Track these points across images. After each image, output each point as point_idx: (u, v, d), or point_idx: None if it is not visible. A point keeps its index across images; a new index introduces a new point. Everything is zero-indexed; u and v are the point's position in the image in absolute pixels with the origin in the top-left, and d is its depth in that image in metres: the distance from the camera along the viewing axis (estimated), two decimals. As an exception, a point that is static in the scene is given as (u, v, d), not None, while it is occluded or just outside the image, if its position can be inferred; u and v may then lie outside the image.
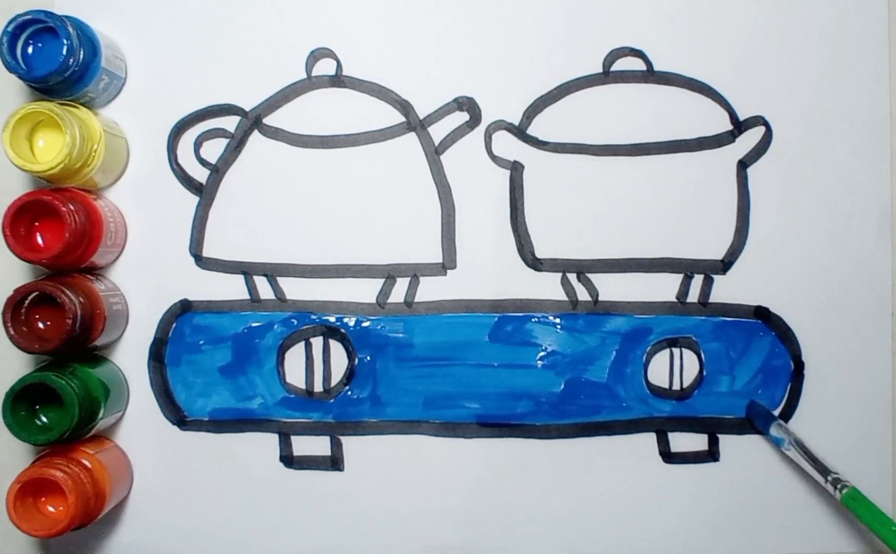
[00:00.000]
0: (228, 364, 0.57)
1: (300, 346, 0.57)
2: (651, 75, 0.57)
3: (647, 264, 0.57)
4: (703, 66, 0.57)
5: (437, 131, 0.57)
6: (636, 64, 0.57)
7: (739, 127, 0.57)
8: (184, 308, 0.57)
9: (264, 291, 0.57)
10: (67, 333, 0.51)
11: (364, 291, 0.57)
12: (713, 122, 0.57)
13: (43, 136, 0.53)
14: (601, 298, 0.57)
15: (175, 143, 0.57)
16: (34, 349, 0.51)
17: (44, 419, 0.53)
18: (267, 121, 0.57)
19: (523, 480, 0.57)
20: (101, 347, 0.57)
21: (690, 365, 0.57)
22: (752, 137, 0.57)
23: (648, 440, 0.57)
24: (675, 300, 0.57)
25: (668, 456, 0.57)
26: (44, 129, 0.53)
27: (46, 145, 0.53)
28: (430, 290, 0.57)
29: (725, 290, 0.57)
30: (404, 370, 0.57)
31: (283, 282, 0.57)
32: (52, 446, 0.53)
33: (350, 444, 0.57)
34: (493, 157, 0.57)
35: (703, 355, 0.57)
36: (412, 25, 0.57)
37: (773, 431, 0.55)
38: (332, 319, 0.57)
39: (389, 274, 0.57)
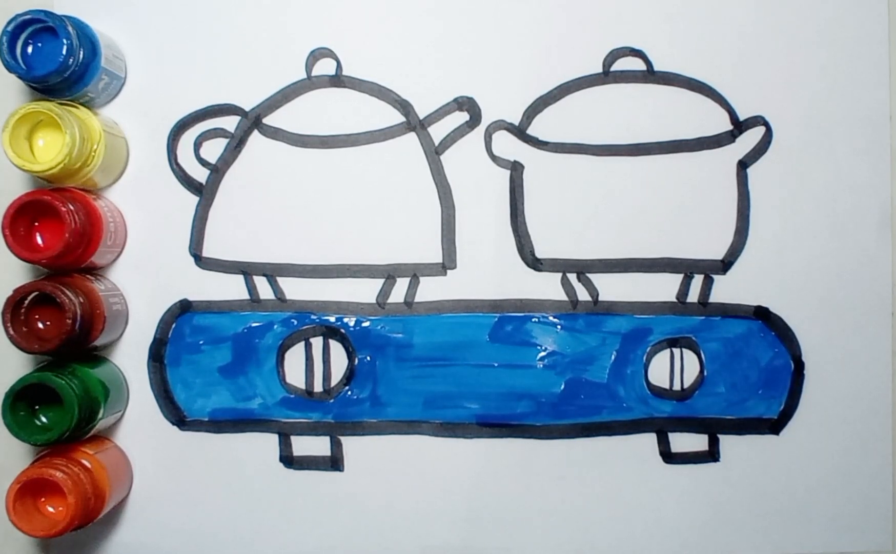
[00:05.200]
0: (228, 364, 0.57)
1: (300, 346, 0.57)
2: (651, 75, 0.57)
3: (647, 264, 0.57)
4: (703, 66, 0.57)
5: (437, 131, 0.57)
6: (636, 64, 0.57)
7: (739, 127, 0.57)
8: (183, 308, 0.57)
9: (264, 291, 0.57)
10: (67, 333, 0.51)
11: (364, 291, 0.57)
12: (713, 122, 0.57)
13: (43, 136, 0.53)
14: (601, 298, 0.57)
15: (175, 143, 0.57)
16: (34, 349, 0.51)
17: (44, 419, 0.53)
18: (267, 121, 0.57)
19: (523, 480, 0.57)
20: (101, 347, 0.57)
21: (691, 365, 0.57)
22: (752, 137, 0.57)
23: (649, 440, 0.57)
24: (675, 300, 0.57)
25: (669, 456, 0.57)
26: (44, 129, 0.53)
27: (46, 145, 0.53)
28: (430, 290, 0.57)
29: (725, 290, 0.57)
30: (404, 370, 0.57)
31: (283, 282, 0.57)
32: (52, 446, 0.53)
33: (350, 444, 0.57)
34: (493, 157, 0.57)
35: (703, 355, 0.57)
36: (412, 25, 0.57)
37: None
38: (332, 319, 0.57)
39: (389, 274, 0.57)
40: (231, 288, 0.57)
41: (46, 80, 0.51)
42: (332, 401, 0.57)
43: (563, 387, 0.57)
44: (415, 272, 0.57)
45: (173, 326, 0.57)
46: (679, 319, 0.57)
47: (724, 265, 0.57)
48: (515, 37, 0.57)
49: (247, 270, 0.57)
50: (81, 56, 0.52)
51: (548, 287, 0.57)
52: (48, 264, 0.53)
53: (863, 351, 0.57)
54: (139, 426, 0.57)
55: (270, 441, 0.57)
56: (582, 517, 0.57)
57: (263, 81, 0.57)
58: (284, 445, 0.57)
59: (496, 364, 0.57)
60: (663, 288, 0.57)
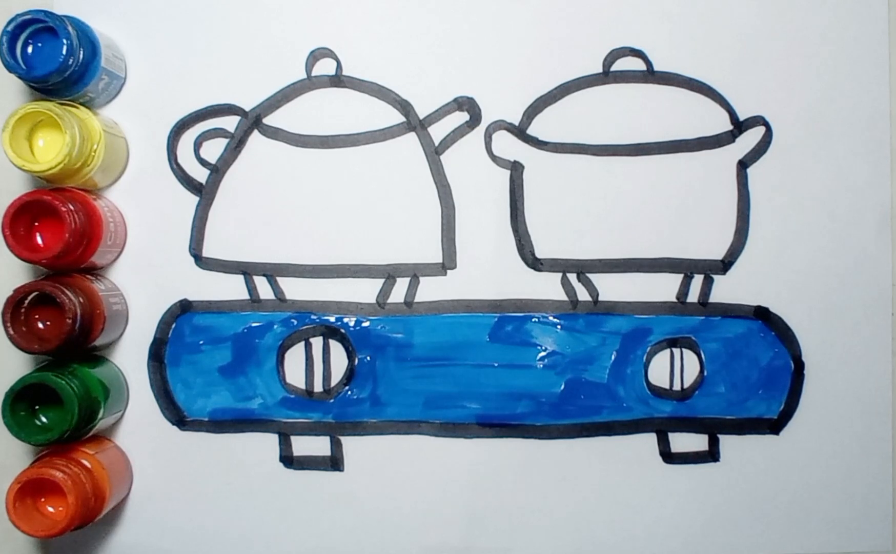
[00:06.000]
0: (228, 364, 0.57)
1: (300, 346, 0.57)
2: (651, 75, 0.57)
3: (647, 264, 0.57)
4: (703, 66, 0.57)
5: (437, 131, 0.57)
6: (636, 64, 0.57)
7: (739, 127, 0.57)
8: (183, 308, 0.57)
9: (264, 291, 0.57)
10: (67, 333, 0.51)
11: (364, 291, 0.57)
12: (713, 122, 0.57)
13: (43, 136, 0.53)
14: (601, 298, 0.57)
15: (175, 143, 0.57)
16: (34, 349, 0.51)
17: (44, 419, 0.53)
18: (267, 121, 0.57)
19: (523, 480, 0.57)
20: (101, 347, 0.57)
21: (691, 365, 0.57)
22: (752, 137, 0.57)
23: (649, 440, 0.57)
24: (675, 300, 0.57)
25: (669, 456, 0.57)
26: (44, 129, 0.53)
27: (46, 145, 0.53)
28: (430, 290, 0.57)
29: (725, 290, 0.57)
30: (404, 370, 0.57)
31: (283, 282, 0.57)
32: (52, 446, 0.53)
33: (350, 444, 0.57)
34: (493, 157, 0.57)
35: (703, 355, 0.57)
36: (412, 25, 0.57)
37: None
38: (332, 319, 0.57)
39: (389, 274, 0.57)
40: (231, 288, 0.57)
41: (46, 81, 0.51)
42: (332, 401, 0.57)
43: (563, 387, 0.57)
44: (415, 272, 0.57)
45: (173, 326, 0.57)
46: (679, 319, 0.57)
47: (724, 265, 0.57)
48: (515, 37, 0.57)
49: (247, 270, 0.57)
50: (81, 56, 0.52)
51: (548, 287, 0.57)
52: (48, 264, 0.53)
53: (863, 351, 0.57)
54: (139, 426, 0.57)
55: (270, 441, 0.57)
56: (582, 517, 0.57)
57: (263, 81, 0.57)
58: (284, 445, 0.57)
59: (496, 364, 0.57)
60: (663, 288, 0.57)
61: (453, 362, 0.57)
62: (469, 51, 0.57)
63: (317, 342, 0.57)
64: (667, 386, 0.57)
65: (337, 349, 0.57)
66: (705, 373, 0.57)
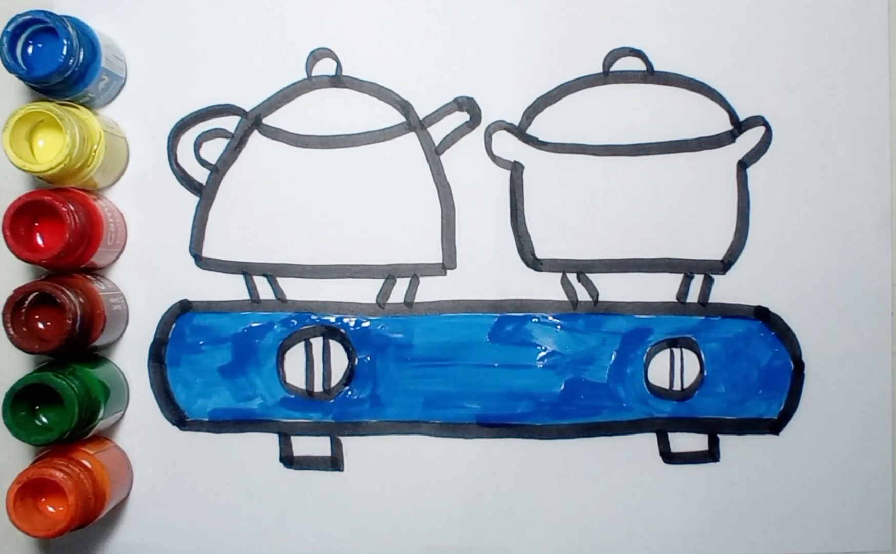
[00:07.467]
0: (228, 364, 0.57)
1: (300, 346, 0.57)
2: (651, 75, 0.57)
3: (647, 264, 0.57)
4: (703, 66, 0.57)
5: (437, 131, 0.57)
6: (636, 64, 0.57)
7: (739, 127, 0.57)
8: (184, 308, 0.57)
9: (264, 291, 0.57)
10: (67, 333, 0.51)
11: (364, 291, 0.57)
12: (713, 122, 0.57)
13: (43, 136, 0.53)
14: (601, 298, 0.57)
15: (175, 143, 0.57)
16: (34, 349, 0.51)
17: (44, 419, 0.53)
18: (267, 121, 0.57)
19: (523, 480, 0.57)
20: (101, 348, 0.57)
21: (691, 365, 0.57)
22: (752, 137, 0.57)
23: (649, 441, 0.57)
24: (675, 300, 0.57)
25: (669, 456, 0.57)
26: (44, 130, 0.53)
27: (46, 145, 0.53)
28: (430, 290, 0.57)
29: (725, 290, 0.57)
30: (404, 370, 0.57)
31: (283, 282, 0.57)
32: (52, 447, 0.53)
33: (350, 444, 0.57)
34: (493, 157, 0.57)
35: (703, 355, 0.57)
36: (412, 25, 0.57)
37: None
38: (332, 320, 0.57)
39: (389, 274, 0.57)
40: (231, 288, 0.57)
41: (47, 81, 0.51)
42: (332, 401, 0.57)
43: (563, 387, 0.57)
44: (415, 272, 0.57)
45: (173, 326, 0.57)
46: (679, 319, 0.57)
47: (724, 265, 0.57)
48: (515, 37, 0.57)
49: (247, 270, 0.57)
50: (81, 56, 0.52)
51: (548, 287, 0.57)
52: (48, 264, 0.53)
53: (863, 351, 0.57)
54: (139, 426, 0.57)
55: (270, 441, 0.57)
56: (582, 517, 0.57)
57: (263, 81, 0.57)
58: (284, 445, 0.57)
59: (496, 364, 0.57)
60: (663, 288, 0.57)
61: (453, 362, 0.57)
62: (469, 51, 0.57)
63: (317, 342, 0.57)
64: (667, 386, 0.57)
65: (337, 349, 0.57)
66: (705, 373, 0.57)
